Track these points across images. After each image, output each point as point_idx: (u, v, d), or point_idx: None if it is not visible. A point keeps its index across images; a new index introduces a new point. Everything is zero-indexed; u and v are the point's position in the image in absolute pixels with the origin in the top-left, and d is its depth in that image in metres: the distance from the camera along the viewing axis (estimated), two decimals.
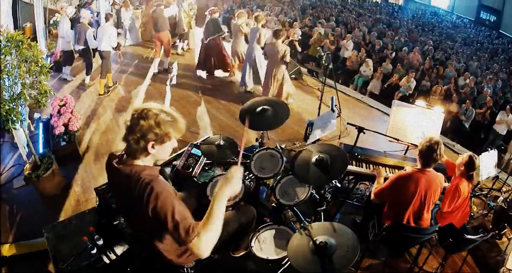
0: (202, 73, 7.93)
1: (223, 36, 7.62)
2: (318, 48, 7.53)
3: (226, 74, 7.83)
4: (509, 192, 4.37)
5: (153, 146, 1.79)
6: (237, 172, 1.90)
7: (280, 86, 6.25)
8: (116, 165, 1.85)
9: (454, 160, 3.80)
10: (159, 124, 1.76)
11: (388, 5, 23.04)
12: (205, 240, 1.72)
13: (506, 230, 4.01)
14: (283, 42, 6.26)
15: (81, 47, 6.79)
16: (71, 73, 7.42)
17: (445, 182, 3.58)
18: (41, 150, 4.55)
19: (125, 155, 1.87)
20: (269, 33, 7.82)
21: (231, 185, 1.85)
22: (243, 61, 7.01)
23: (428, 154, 2.89)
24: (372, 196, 3.19)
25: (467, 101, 7.79)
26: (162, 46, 7.83)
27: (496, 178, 4.58)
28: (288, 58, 6.00)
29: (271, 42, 6.01)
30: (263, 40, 6.54)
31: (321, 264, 1.93)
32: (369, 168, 3.72)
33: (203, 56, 7.65)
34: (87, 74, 7.15)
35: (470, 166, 3.22)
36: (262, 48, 6.48)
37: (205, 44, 7.45)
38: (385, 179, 3.27)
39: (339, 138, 5.13)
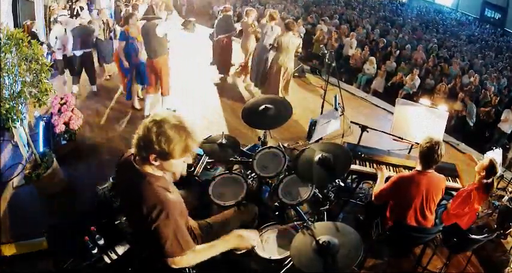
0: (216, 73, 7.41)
1: (234, 35, 7.15)
2: (321, 46, 7.48)
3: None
4: None
5: (155, 159, 1.72)
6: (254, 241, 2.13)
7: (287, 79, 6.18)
8: (135, 164, 1.79)
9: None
10: (160, 141, 1.65)
11: (392, 3, 22.91)
12: (188, 260, 1.83)
13: (511, 229, 3.97)
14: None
15: (82, 52, 6.18)
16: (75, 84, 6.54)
17: (450, 181, 3.55)
18: (41, 149, 4.52)
19: (137, 157, 1.81)
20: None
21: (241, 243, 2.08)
22: (253, 60, 6.79)
23: (428, 155, 2.83)
24: (372, 197, 3.16)
25: (464, 95, 7.71)
26: (159, 79, 5.47)
27: (501, 177, 4.55)
28: (300, 50, 5.94)
29: (284, 34, 5.82)
30: (274, 37, 6.24)
31: (323, 264, 1.92)
32: (373, 167, 3.69)
33: (217, 55, 7.24)
34: (92, 83, 6.53)
35: (491, 170, 3.16)
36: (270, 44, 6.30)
37: (217, 42, 7.02)
38: (387, 178, 3.23)
39: (342, 137, 5.08)
